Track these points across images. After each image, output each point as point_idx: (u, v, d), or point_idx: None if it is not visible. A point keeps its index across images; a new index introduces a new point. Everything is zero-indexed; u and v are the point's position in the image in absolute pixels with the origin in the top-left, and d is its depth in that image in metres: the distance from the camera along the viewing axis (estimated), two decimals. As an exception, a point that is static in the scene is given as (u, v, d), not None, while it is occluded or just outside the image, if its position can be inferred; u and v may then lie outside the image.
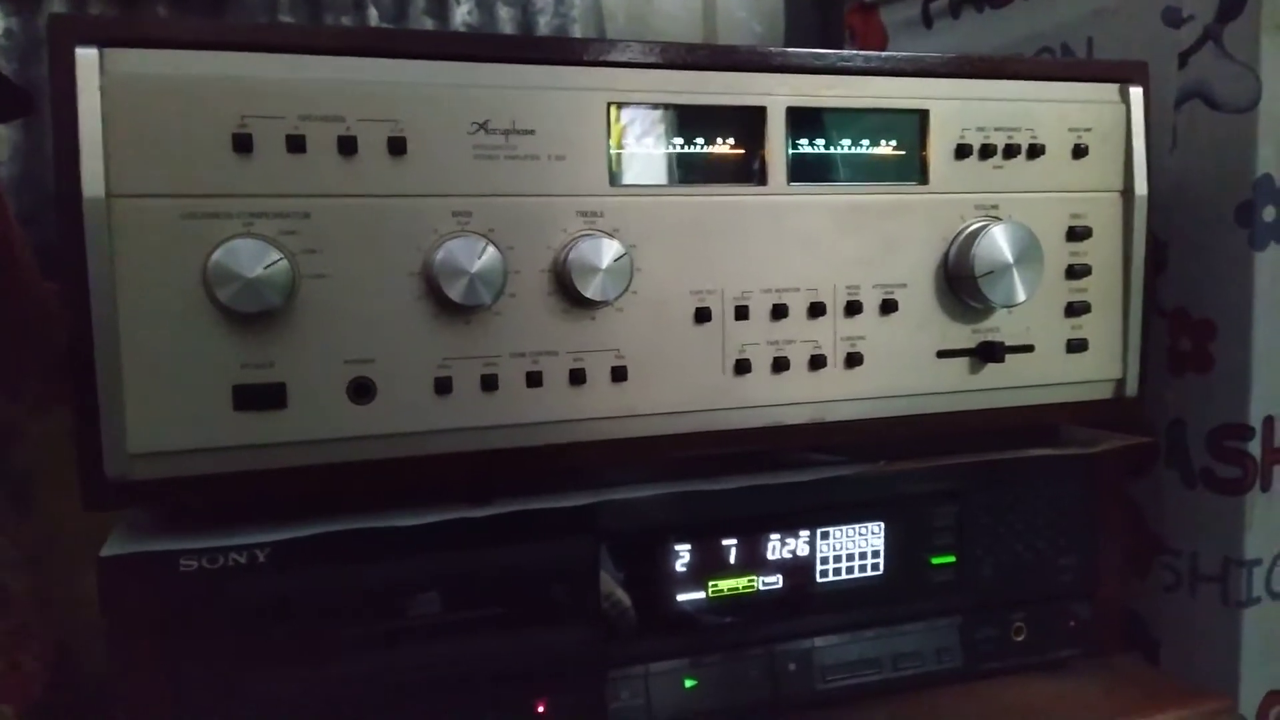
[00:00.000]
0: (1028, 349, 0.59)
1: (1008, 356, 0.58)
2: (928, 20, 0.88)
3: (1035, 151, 0.58)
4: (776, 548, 0.57)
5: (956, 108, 0.56)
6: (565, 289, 0.49)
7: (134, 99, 0.44)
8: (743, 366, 0.53)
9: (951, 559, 0.61)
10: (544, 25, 1.03)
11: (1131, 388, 0.62)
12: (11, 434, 0.63)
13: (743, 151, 0.53)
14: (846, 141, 0.55)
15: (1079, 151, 0.59)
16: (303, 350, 0.46)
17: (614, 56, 0.51)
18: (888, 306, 0.56)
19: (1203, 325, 0.64)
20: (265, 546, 0.47)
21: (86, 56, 0.43)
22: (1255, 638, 0.63)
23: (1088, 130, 0.59)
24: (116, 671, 0.47)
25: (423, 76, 0.48)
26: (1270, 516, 0.63)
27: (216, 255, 0.43)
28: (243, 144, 0.44)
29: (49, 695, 0.59)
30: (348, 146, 0.46)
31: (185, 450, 0.45)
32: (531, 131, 0.49)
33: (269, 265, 0.44)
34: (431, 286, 0.47)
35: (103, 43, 0.43)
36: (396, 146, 0.47)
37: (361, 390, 0.47)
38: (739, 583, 0.57)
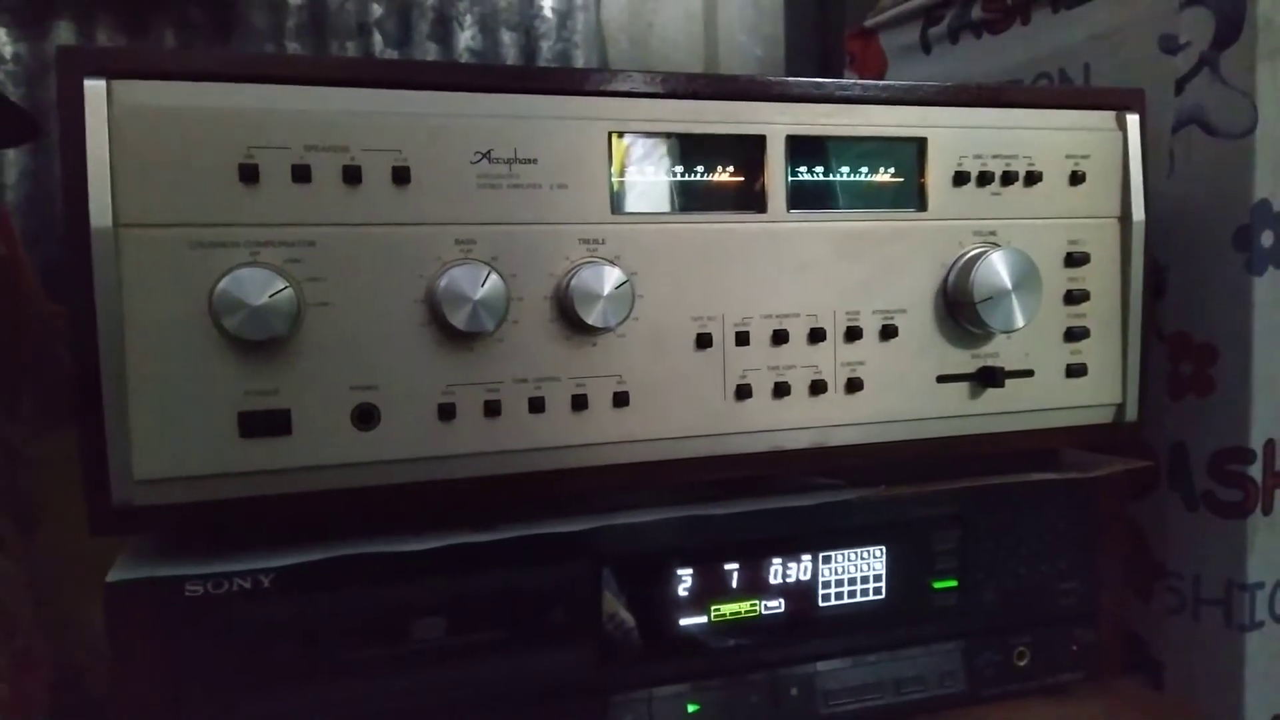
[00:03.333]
0: (1027, 374, 0.59)
1: (1007, 381, 0.58)
2: (926, 46, 0.89)
3: (1033, 178, 0.58)
4: (778, 572, 0.58)
5: (954, 135, 0.57)
6: (567, 316, 0.50)
7: (141, 130, 0.44)
8: (744, 392, 0.54)
9: (953, 583, 0.61)
10: (547, 50, 1.04)
11: (1131, 412, 0.62)
12: (14, 456, 0.64)
13: (742, 179, 0.54)
14: (845, 169, 0.56)
15: (1076, 178, 0.59)
16: (307, 377, 0.47)
17: (615, 86, 0.52)
18: (887, 332, 0.56)
19: (1203, 349, 0.64)
20: (270, 571, 0.48)
21: (95, 88, 0.44)
22: (1260, 661, 0.63)
23: (1085, 157, 0.59)
24: (121, 695, 0.47)
25: (426, 107, 0.48)
26: (1273, 540, 0.63)
27: (222, 284, 0.44)
28: (249, 174, 0.45)
29: (55, 715, 0.59)
30: (352, 176, 0.47)
31: (191, 476, 0.46)
32: (534, 160, 0.50)
33: (274, 294, 0.44)
34: (435, 313, 0.48)
35: (110, 74, 0.44)
36: (400, 176, 0.47)
37: (365, 416, 0.48)
38: (741, 607, 0.57)
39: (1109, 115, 0.61)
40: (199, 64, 0.46)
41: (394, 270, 0.48)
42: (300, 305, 0.46)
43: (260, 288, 0.44)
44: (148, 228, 0.44)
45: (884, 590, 0.60)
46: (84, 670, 0.63)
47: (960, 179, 0.57)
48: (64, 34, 0.91)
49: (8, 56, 0.90)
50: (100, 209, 0.43)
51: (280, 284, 0.44)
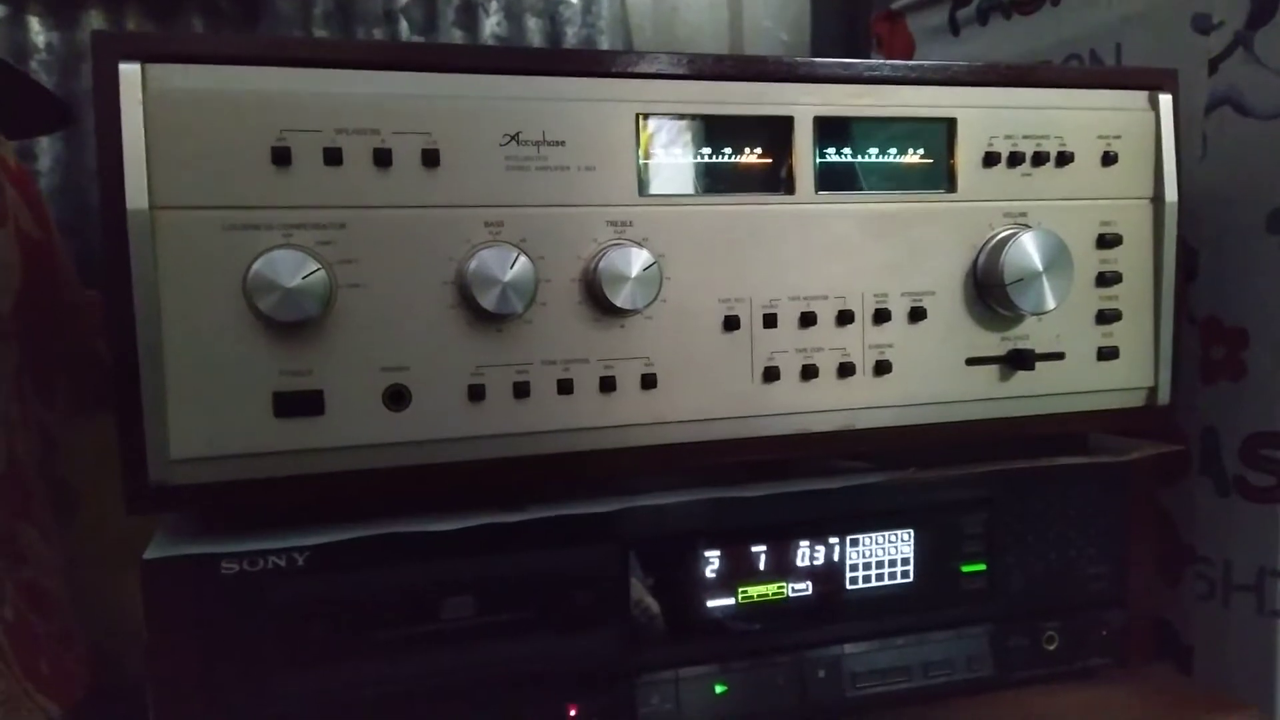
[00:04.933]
0: (1058, 357, 0.58)
1: (1038, 364, 0.58)
2: (955, 27, 0.88)
3: (1064, 159, 0.58)
4: (806, 554, 0.58)
5: (984, 116, 0.57)
6: (595, 297, 0.50)
7: (176, 113, 0.45)
8: (771, 374, 0.54)
9: (982, 567, 0.61)
10: (572, 35, 1.04)
11: (1164, 396, 0.61)
12: (50, 441, 0.65)
13: (770, 161, 0.54)
14: (874, 150, 0.55)
15: (1108, 159, 0.59)
16: (340, 358, 0.47)
17: (642, 68, 0.52)
18: (916, 314, 0.56)
19: (1235, 333, 0.63)
20: (304, 550, 0.48)
21: (130, 72, 0.44)
22: (1291, 648, 0.63)
23: (1117, 138, 0.59)
24: (157, 671, 0.48)
25: (456, 89, 0.48)
26: (1306, 525, 0.62)
27: (256, 265, 0.44)
28: (282, 157, 0.45)
29: (91, 696, 0.60)
30: (383, 159, 0.47)
31: (226, 456, 0.46)
32: (562, 143, 0.50)
33: (307, 275, 0.45)
34: (465, 295, 0.48)
35: (145, 58, 0.45)
36: (430, 158, 0.48)
37: (397, 397, 0.48)
38: (769, 589, 0.57)
39: (1141, 95, 0.60)
40: (232, 48, 0.46)
41: (424, 252, 0.48)
42: (332, 287, 0.46)
43: (293, 269, 0.44)
44: (183, 210, 0.45)
45: (912, 573, 0.60)
46: (119, 650, 0.64)
47: (990, 160, 0.57)
48: (94, 22, 0.92)
49: (40, 45, 0.91)
50: (136, 191, 0.44)
51: (313, 266, 0.45)
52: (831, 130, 0.54)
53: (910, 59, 0.94)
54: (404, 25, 0.98)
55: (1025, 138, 0.57)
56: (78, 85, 0.91)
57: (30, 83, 0.70)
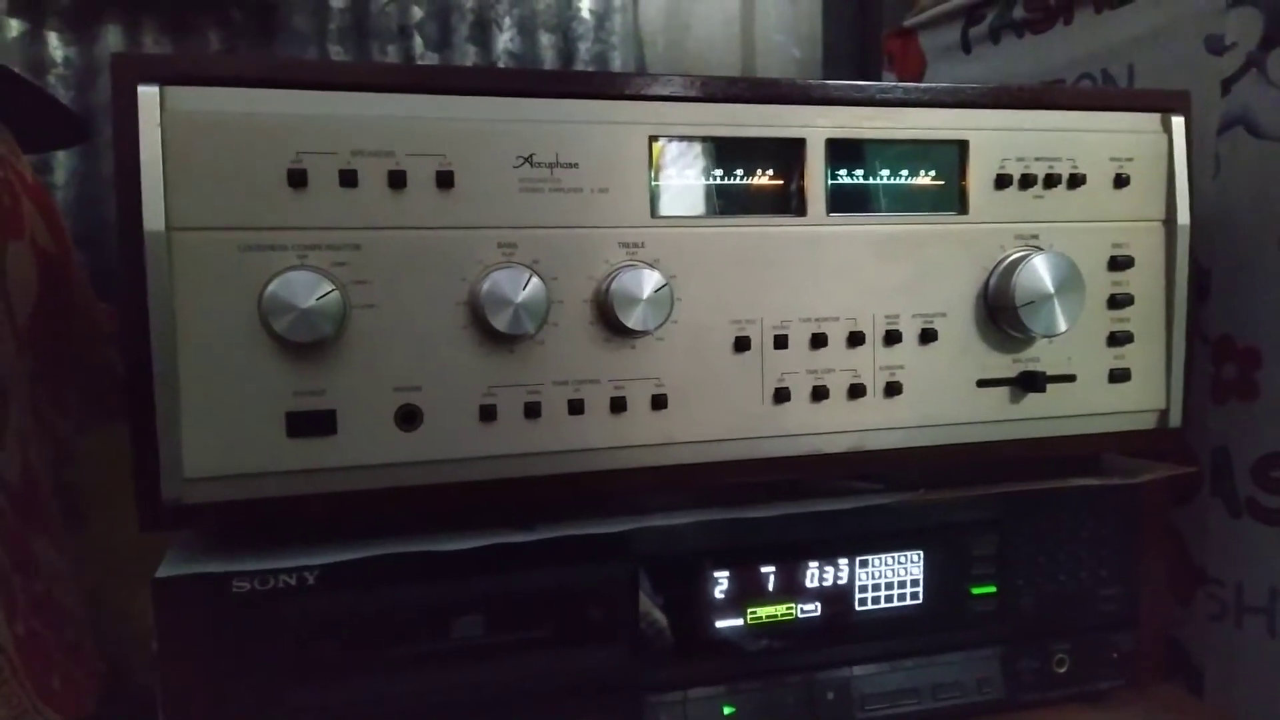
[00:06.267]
0: (1069, 379, 0.58)
1: (1049, 386, 0.58)
2: (967, 46, 0.89)
3: (1076, 181, 0.58)
4: (815, 575, 0.58)
5: (996, 138, 0.57)
6: (607, 319, 0.50)
7: (193, 135, 0.45)
8: (782, 395, 0.54)
9: (992, 589, 0.61)
10: (584, 51, 1.04)
11: (1175, 418, 0.61)
12: (62, 450, 0.65)
13: (782, 182, 0.54)
14: (886, 172, 0.56)
15: (1120, 181, 0.59)
16: (353, 378, 0.47)
17: (655, 90, 0.52)
18: (927, 336, 0.56)
19: (1248, 353, 0.63)
20: (314, 569, 0.48)
21: (148, 94, 0.45)
22: (1304, 671, 0.62)
23: (1129, 160, 0.59)
24: (168, 688, 0.48)
25: (470, 112, 0.49)
26: (1319, 548, 0.62)
27: (272, 286, 0.45)
28: (298, 179, 0.46)
29: (101, 709, 0.61)
30: (398, 180, 0.47)
31: (239, 474, 0.46)
32: (575, 165, 0.50)
33: (321, 296, 0.45)
34: (477, 316, 0.48)
35: (164, 81, 0.45)
36: (444, 180, 0.48)
37: (409, 417, 0.48)
38: (778, 610, 0.57)
39: (1154, 117, 0.60)
40: (249, 70, 0.47)
41: (437, 273, 0.48)
42: (346, 307, 0.46)
43: (308, 290, 0.45)
44: (199, 231, 0.45)
45: (921, 595, 0.59)
46: (129, 663, 0.64)
47: (1002, 182, 0.57)
48: (112, 38, 0.93)
49: (58, 60, 0.91)
50: (153, 212, 0.44)
51: (328, 286, 0.45)
52: (843, 152, 0.55)
53: (921, 77, 0.94)
54: (418, 41, 0.99)
55: (1037, 160, 0.57)
56: (95, 100, 0.91)
57: (47, 98, 0.71)
